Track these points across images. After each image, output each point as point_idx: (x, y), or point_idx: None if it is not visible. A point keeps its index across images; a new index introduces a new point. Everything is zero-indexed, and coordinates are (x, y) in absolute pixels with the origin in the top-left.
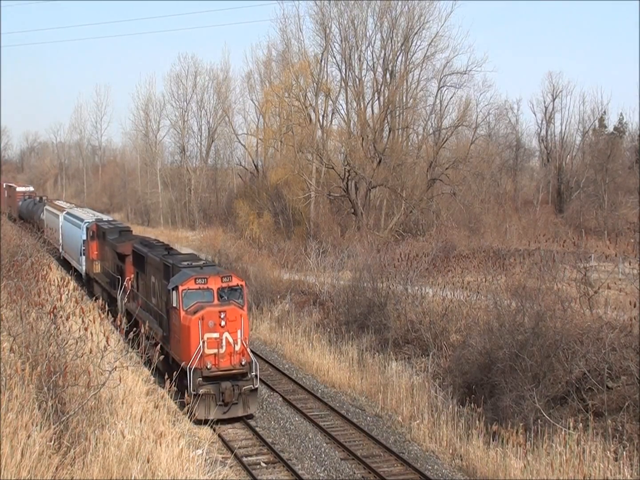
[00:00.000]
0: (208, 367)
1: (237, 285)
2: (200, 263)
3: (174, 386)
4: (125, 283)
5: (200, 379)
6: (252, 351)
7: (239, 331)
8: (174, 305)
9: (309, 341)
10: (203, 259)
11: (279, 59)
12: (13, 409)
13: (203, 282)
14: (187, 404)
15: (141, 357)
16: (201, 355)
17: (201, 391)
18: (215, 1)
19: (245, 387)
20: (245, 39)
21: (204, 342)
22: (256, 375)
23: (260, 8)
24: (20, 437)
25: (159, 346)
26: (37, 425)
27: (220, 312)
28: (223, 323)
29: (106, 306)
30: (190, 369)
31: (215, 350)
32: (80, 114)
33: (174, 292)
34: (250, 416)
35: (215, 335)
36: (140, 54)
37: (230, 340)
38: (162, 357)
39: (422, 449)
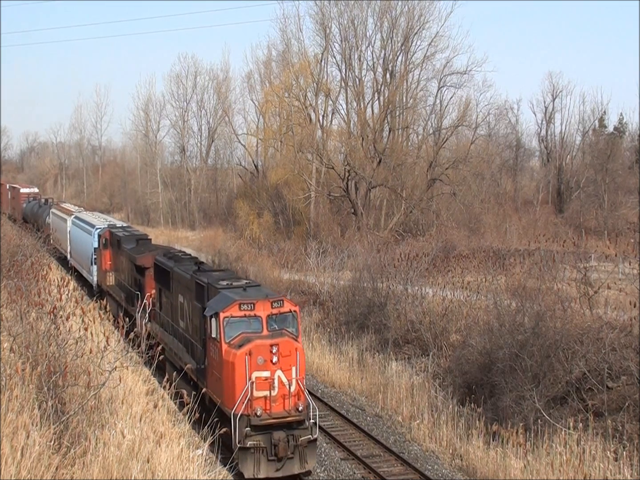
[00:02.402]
0: (258, 414)
1: (290, 311)
2: (242, 283)
3: (209, 431)
4: (145, 300)
5: (248, 428)
6: (309, 392)
7: (293, 368)
8: (213, 335)
9: (309, 341)
10: (242, 276)
11: (279, 59)
12: (13, 409)
13: (249, 309)
14: (187, 404)
15: (141, 357)
16: (249, 398)
17: (249, 443)
18: (215, 1)
19: (302, 438)
20: (245, 39)
21: (252, 383)
22: (315, 423)
23: (260, 8)
24: (20, 437)
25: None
26: (37, 425)
27: (271, 345)
28: (275, 359)
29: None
30: (235, 416)
31: (266, 393)
32: (80, 114)
33: (214, 320)
34: (308, 473)
35: (266, 374)
36: (140, 54)
37: (284, 380)
38: (193, 392)
39: (422, 449)
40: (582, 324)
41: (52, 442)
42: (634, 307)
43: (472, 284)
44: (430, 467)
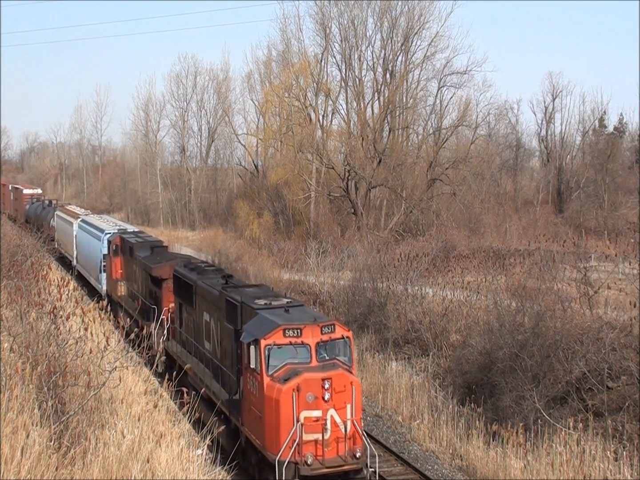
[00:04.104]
0: (309, 462)
1: (342, 337)
2: (282, 302)
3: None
4: (162, 315)
5: (297, 478)
6: (367, 434)
7: (348, 406)
8: (252, 366)
9: None
10: (279, 293)
11: (279, 59)
12: (13, 409)
13: (296, 335)
14: (187, 403)
15: (141, 356)
16: (297, 443)
17: None
18: (215, 1)
19: None
20: (245, 39)
21: (301, 425)
22: (375, 471)
23: (260, 8)
24: (20, 437)
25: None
26: (37, 425)
27: (323, 379)
28: (327, 396)
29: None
30: (279, 463)
31: (318, 436)
32: (80, 114)
33: (253, 348)
34: None
35: (317, 413)
36: (140, 54)
37: (338, 420)
38: (222, 427)
39: (422, 449)
40: (582, 324)
41: (52, 442)
42: (634, 307)
43: (472, 284)
44: (430, 467)
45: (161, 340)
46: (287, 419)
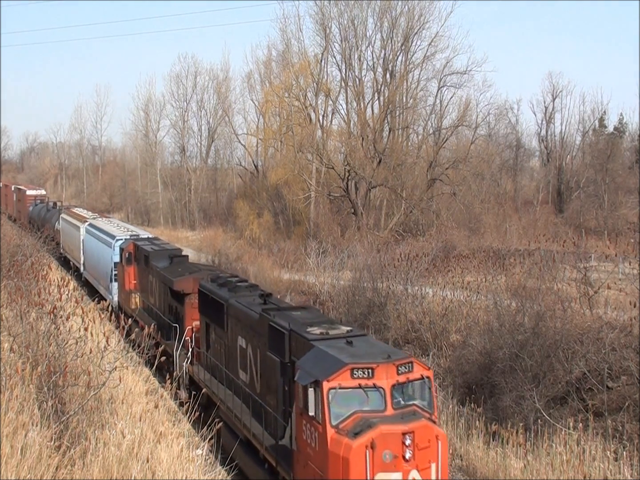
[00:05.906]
0: None
1: (422, 377)
2: (340, 330)
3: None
4: (185, 335)
5: None
6: None
7: (433, 466)
8: (311, 413)
9: None
10: (334, 319)
11: (279, 59)
12: (13, 408)
13: (367, 376)
14: (186, 403)
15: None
16: None
17: None
18: (215, 1)
19: None
20: (245, 39)
21: None
22: None
23: (260, 8)
24: (20, 437)
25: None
26: (36, 425)
27: (404, 433)
28: (409, 454)
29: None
30: None
31: None
32: (80, 114)
33: (312, 391)
34: None
35: (397, 476)
36: (140, 54)
37: None
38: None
39: None
40: (582, 324)
41: (52, 442)
42: (634, 307)
43: (472, 284)
44: None
45: (184, 364)
46: None
